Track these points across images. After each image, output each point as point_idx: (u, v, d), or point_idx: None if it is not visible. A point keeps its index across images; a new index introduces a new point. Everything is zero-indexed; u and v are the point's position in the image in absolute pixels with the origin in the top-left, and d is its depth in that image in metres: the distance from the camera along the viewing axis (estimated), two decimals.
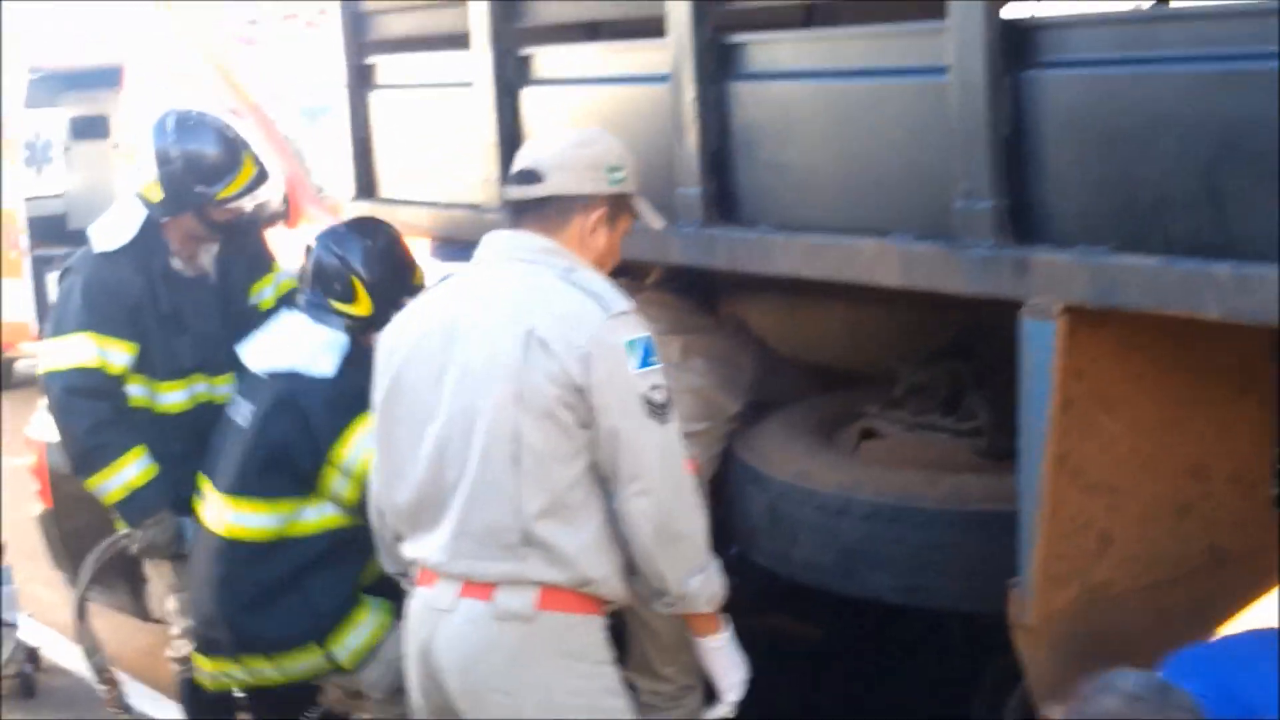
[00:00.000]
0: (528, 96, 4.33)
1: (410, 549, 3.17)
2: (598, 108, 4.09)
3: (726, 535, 4.18)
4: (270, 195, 5.86)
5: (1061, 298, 2.99)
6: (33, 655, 6.13)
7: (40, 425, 5.74)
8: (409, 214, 4.83)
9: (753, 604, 4.78)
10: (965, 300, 3.22)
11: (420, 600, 3.15)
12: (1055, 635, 3.23)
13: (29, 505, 5.96)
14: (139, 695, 5.81)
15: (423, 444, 3.08)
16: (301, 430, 4.02)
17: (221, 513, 4.12)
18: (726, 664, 3.29)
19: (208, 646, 4.22)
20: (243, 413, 4.17)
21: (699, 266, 3.93)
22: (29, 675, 6.04)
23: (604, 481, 3.02)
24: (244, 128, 4.92)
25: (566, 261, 3.10)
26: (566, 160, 3.16)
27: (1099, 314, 2.99)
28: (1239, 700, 2.85)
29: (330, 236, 4.30)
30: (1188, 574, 3.38)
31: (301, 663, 4.09)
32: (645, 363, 3.00)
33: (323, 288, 4.20)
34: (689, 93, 3.72)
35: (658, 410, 3.00)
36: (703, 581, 3.12)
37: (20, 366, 12.04)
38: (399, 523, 3.20)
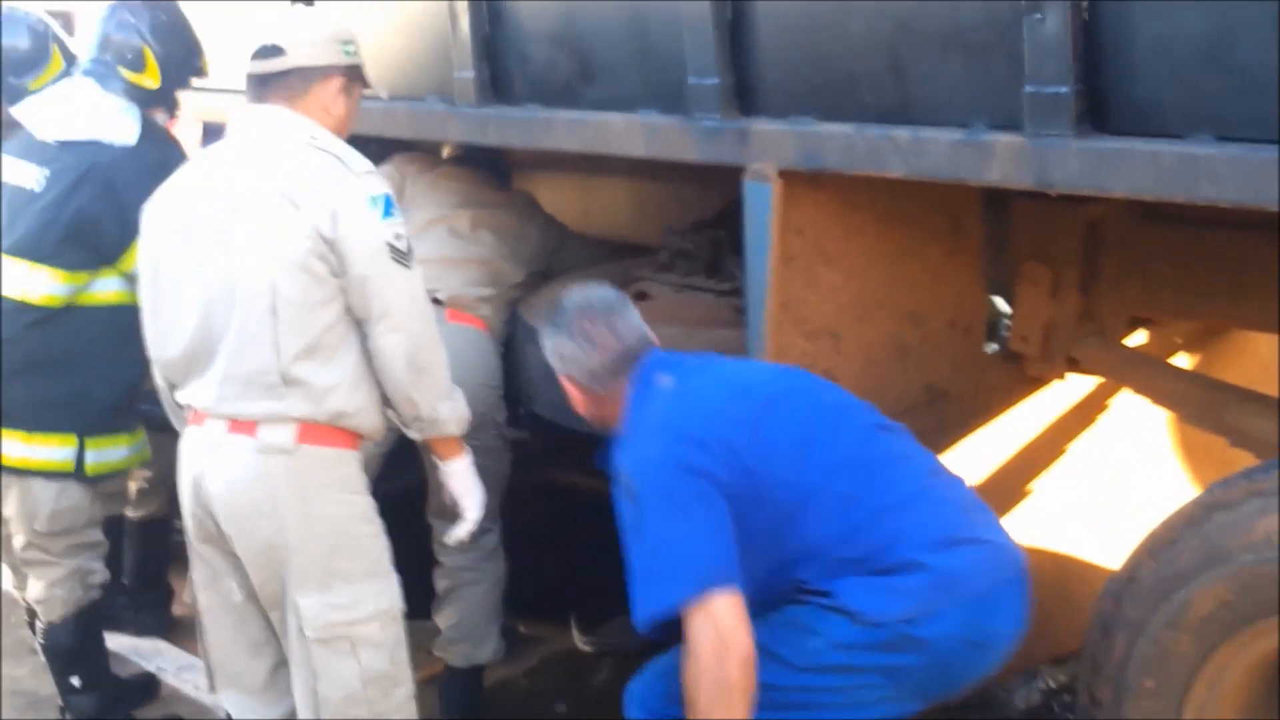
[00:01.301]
0: None
1: (183, 396, 3.46)
2: None
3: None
4: None
5: (776, 162, 3.37)
6: None
7: None
8: (205, 100, 5.07)
9: (544, 459, 5.21)
10: (729, 175, 3.52)
11: (191, 438, 3.45)
12: None
13: None
14: None
15: (189, 304, 3.36)
16: (111, 201, 4.14)
17: (13, 276, 4.17)
18: (467, 486, 3.67)
19: None
20: (30, 176, 4.23)
21: (474, 144, 4.26)
22: None
23: (358, 324, 3.33)
24: (58, 23, 5.09)
25: (310, 130, 3.40)
26: (303, 36, 3.48)
27: (814, 176, 3.37)
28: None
29: (124, 8, 4.40)
30: (907, 411, 3.75)
31: (53, 450, 4.23)
32: (387, 214, 3.32)
33: (113, 55, 4.33)
34: None
35: (401, 256, 3.31)
36: (451, 407, 3.48)
37: None
38: (172, 375, 3.49)
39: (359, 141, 4.68)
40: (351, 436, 3.41)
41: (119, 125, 4.27)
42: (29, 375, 4.18)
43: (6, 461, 4.25)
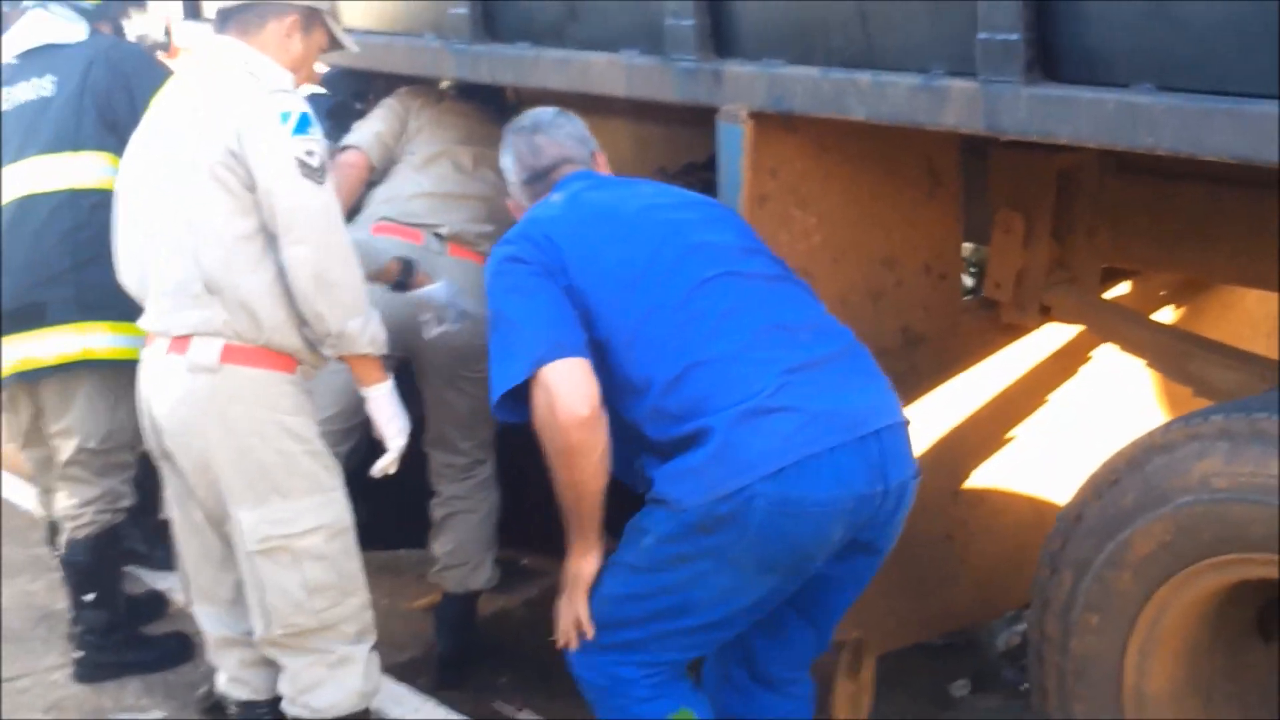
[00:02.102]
0: None
1: (141, 321, 3.62)
2: None
3: None
4: (149, 29, 6.18)
5: (747, 104, 3.44)
6: None
7: None
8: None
9: None
10: None
11: (144, 356, 3.60)
12: None
13: None
14: (9, 486, 6.31)
15: (137, 228, 3.54)
16: (116, 77, 4.36)
17: (57, 170, 4.32)
18: (389, 413, 3.68)
19: (36, 315, 4.32)
20: (33, 89, 4.41)
21: (468, 80, 4.34)
22: None
23: (274, 239, 3.42)
24: None
25: (250, 58, 3.52)
26: None
27: (788, 119, 3.44)
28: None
29: None
30: (882, 353, 3.77)
31: (134, 337, 4.20)
32: (300, 130, 3.39)
33: None
34: None
35: (312, 172, 3.38)
36: (362, 324, 3.49)
37: None
38: (136, 299, 3.64)
39: (361, 76, 4.84)
40: (281, 358, 3.50)
41: (67, 29, 4.48)
42: (106, 261, 4.15)
43: (95, 354, 4.34)
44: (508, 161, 3.53)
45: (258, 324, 3.43)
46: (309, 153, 3.39)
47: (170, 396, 3.49)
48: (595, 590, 3.22)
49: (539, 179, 3.47)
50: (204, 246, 3.39)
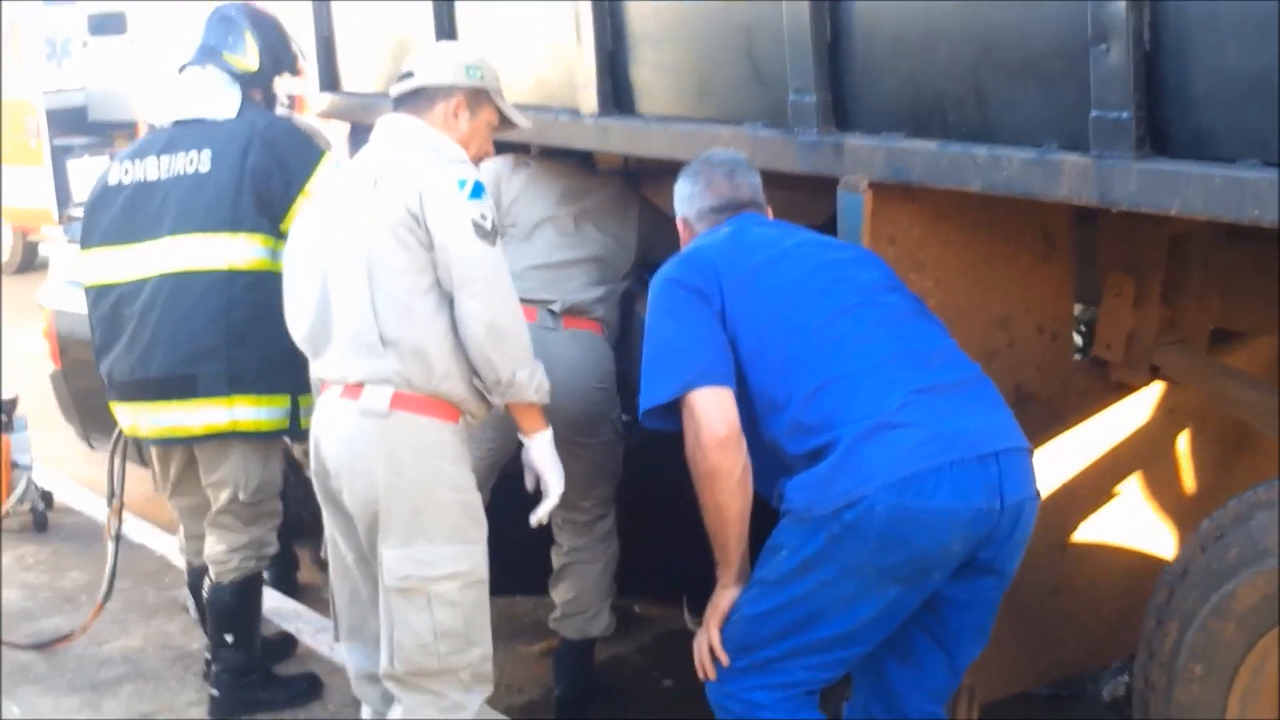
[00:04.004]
0: (461, 6, 4.97)
1: (313, 369, 3.86)
2: (516, 17, 4.73)
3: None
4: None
5: (867, 175, 3.63)
6: (47, 496, 6.88)
7: (49, 294, 6.38)
8: (363, 103, 5.49)
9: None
10: (834, 185, 3.76)
11: (319, 402, 3.85)
12: None
13: (44, 366, 6.67)
14: (143, 532, 6.57)
15: (312, 283, 3.78)
16: (272, 157, 4.55)
17: (215, 250, 4.50)
18: (549, 462, 3.89)
19: (187, 386, 4.49)
20: (191, 161, 4.56)
21: (600, 151, 4.55)
22: (41, 512, 6.80)
23: (448, 296, 3.66)
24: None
25: (423, 133, 3.81)
26: (432, 60, 3.92)
27: (905, 188, 3.61)
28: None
29: (225, 6, 4.85)
30: None
31: (275, 410, 4.57)
32: (475, 196, 3.66)
33: (217, 36, 4.74)
34: (586, 4, 4.33)
35: (485, 233, 3.65)
36: (529, 374, 3.72)
37: (43, 249, 12.81)
38: (306, 349, 3.88)
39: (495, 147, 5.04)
40: (447, 408, 3.72)
41: (220, 101, 4.65)
42: (254, 339, 4.48)
43: (241, 426, 4.57)
44: (697, 187, 3.76)
45: (430, 373, 3.64)
46: (482, 216, 3.65)
47: (340, 438, 3.72)
48: (732, 613, 3.41)
49: (723, 211, 3.72)
50: (382, 299, 3.63)
